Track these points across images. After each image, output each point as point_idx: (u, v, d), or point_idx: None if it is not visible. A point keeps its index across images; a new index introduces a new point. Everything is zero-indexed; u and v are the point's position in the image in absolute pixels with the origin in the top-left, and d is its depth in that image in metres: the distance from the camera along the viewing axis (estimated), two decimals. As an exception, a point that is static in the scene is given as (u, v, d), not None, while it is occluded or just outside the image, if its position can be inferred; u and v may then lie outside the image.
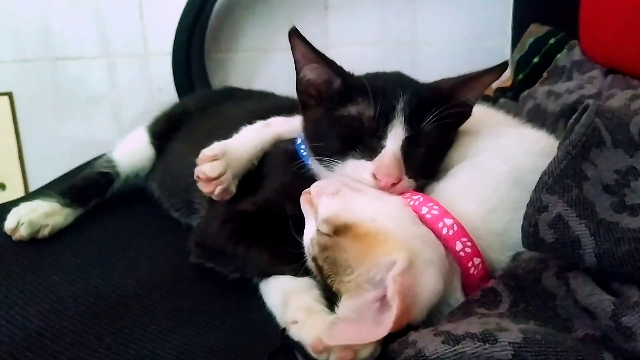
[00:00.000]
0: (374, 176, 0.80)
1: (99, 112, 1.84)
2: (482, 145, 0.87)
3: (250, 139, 0.97)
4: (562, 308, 0.62)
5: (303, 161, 0.91)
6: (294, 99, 1.32)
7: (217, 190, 0.89)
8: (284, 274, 0.84)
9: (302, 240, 0.82)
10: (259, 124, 1.02)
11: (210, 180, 0.89)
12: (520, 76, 1.31)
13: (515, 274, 0.68)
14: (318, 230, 0.76)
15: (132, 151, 1.23)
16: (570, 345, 0.55)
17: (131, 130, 1.79)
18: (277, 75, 1.87)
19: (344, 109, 0.84)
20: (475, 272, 0.73)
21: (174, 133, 1.23)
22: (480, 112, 0.94)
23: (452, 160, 0.87)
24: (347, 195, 0.77)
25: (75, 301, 0.87)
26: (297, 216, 0.85)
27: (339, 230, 0.73)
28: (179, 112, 1.26)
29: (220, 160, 0.90)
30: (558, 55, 1.26)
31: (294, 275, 0.82)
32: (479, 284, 0.74)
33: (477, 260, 0.73)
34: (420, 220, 0.74)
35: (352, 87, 0.85)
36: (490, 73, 0.88)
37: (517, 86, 1.31)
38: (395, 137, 0.80)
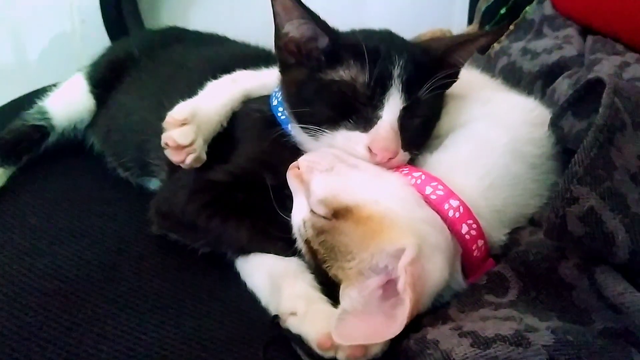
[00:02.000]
0: (369, 149, 0.73)
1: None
2: (473, 112, 0.83)
3: (219, 97, 0.87)
4: (581, 300, 0.60)
5: (283, 128, 0.82)
6: (257, 48, 1.23)
7: (189, 159, 0.80)
8: (266, 252, 0.77)
9: (287, 217, 0.76)
10: (226, 79, 0.92)
11: (181, 148, 0.79)
12: (487, 27, 1.27)
13: (525, 260, 0.65)
14: (312, 211, 0.69)
15: (69, 101, 1.09)
16: (601, 346, 0.53)
17: (41, 61, 1.65)
18: (216, 10, 1.75)
19: (333, 72, 0.76)
20: (477, 254, 0.69)
21: (118, 81, 1.09)
22: (462, 73, 0.89)
23: (440, 128, 0.82)
24: (343, 172, 0.71)
25: (25, 287, 0.77)
26: (277, 188, 0.78)
27: (338, 212, 0.67)
28: (122, 56, 1.12)
29: (191, 124, 0.80)
30: (527, 8, 1.22)
31: (280, 255, 0.76)
32: (479, 265, 0.71)
33: (480, 242, 0.69)
34: (425, 200, 0.69)
35: (342, 47, 0.77)
36: (486, 36, 0.82)
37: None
38: (392, 106, 0.74)
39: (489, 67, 1.12)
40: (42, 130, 1.06)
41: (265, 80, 0.92)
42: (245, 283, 0.79)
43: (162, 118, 0.95)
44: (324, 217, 0.68)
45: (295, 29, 0.78)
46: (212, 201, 0.81)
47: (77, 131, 1.11)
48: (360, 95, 0.74)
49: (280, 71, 0.83)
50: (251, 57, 1.05)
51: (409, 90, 0.74)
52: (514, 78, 1.05)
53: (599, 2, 1.04)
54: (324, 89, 0.76)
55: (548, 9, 1.16)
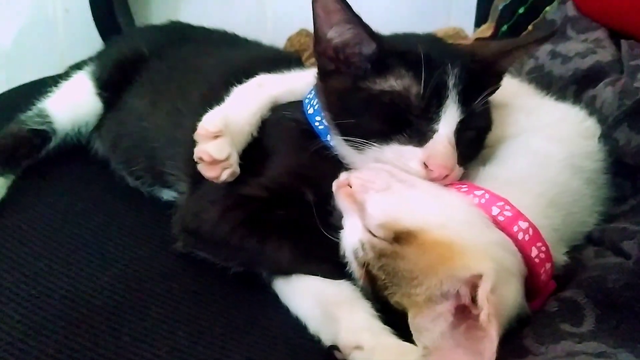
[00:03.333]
0: (425, 165, 0.68)
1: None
2: (520, 123, 0.79)
3: (248, 105, 0.81)
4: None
5: (323, 140, 0.77)
6: (273, 49, 1.17)
7: (225, 175, 0.73)
8: (311, 274, 0.72)
9: (332, 236, 0.71)
10: (252, 84, 0.85)
11: (216, 162, 0.72)
12: (505, 27, 1.23)
13: (602, 287, 0.62)
14: (371, 233, 0.64)
15: (73, 103, 1.01)
16: None
17: (17, 52, 1.54)
18: (207, 4, 1.66)
19: (382, 81, 0.71)
20: (544, 278, 0.66)
21: (127, 83, 1.01)
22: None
23: (487, 139, 0.78)
24: (402, 192, 0.66)
25: (46, 315, 0.70)
26: (318, 204, 0.73)
27: (401, 237, 0.62)
28: (130, 56, 1.04)
29: (225, 136, 0.74)
30: (547, 8, 1.18)
31: (327, 277, 0.71)
32: (542, 288, 0.67)
33: (548, 265, 0.66)
34: (492, 221, 0.64)
35: (390, 54, 0.72)
36: (538, 42, 0.78)
37: (500, 38, 1.23)
38: (448, 119, 0.69)
39: (513, 70, 1.07)
40: (43, 134, 0.98)
41: (292, 85, 0.86)
42: (285, 305, 0.74)
43: (179, 125, 0.90)
44: (385, 240, 0.63)
45: (338, 33, 0.73)
46: (247, 218, 0.75)
47: (81, 135, 1.03)
48: (415, 107, 0.69)
49: (319, 78, 0.77)
50: (270, 59, 0.99)
51: (464, 102, 0.70)
52: (543, 82, 1.01)
53: (631, 4, 1.00)
54: (372, 100, 0.71)
55: (571, 9, 1.13)
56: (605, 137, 0.76)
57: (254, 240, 0.74)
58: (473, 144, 0.72)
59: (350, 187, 0.68)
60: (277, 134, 0.80)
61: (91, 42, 1.53)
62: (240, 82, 0.86)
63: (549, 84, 1.01)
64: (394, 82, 0.70)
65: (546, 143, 0.74)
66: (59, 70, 1.26)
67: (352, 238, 0.67)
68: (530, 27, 1.20)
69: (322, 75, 0.77)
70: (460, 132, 0.70)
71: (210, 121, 0.74)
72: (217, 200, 0.77)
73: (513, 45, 0.77)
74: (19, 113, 1.01)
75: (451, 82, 0.69)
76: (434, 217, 0.63)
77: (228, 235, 0.75)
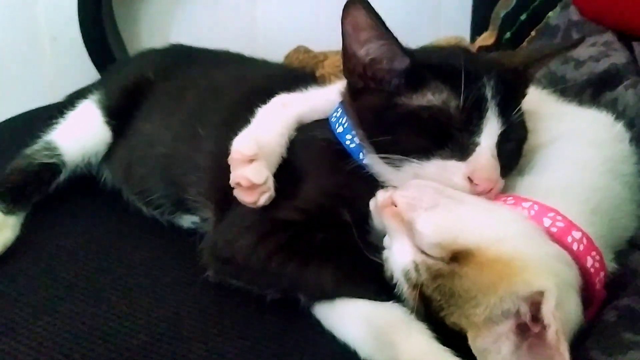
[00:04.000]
0: (469, 180, 0.67)
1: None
2: (552, 130, 0.78)
3: (276, 125, 0.79)
4: None
5: (356, 159, 0.75)
6: (283, 66, 1.15)
7: (263, 200, 0.71)
8: (356, 297, 0.70)
9: (374, 256, 0.69)
10: (275, 104, 0.83)
11: (254, 187, 0.70)
12: (508, 34, 1.23)
13: (663, 294, 0.61)
14: (425, 253, 0.62)
15: (81, 134, 0.98)
16: None
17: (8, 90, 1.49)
18: (197, 25, 1.64)
19: (419, 97, 0.69)
20: (599, 287, 0.65)
21: (135, 109, 0.98)
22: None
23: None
24: (451, 208, 0.64)
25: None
26: (354, 225, 0.71)
27: (458, 256, 0.60)
28: (136, 81, 1.01)
29: (260, 160, 0.72)
30: (549, 14, 1.19)
31: (375, 299, 0.69)
32: (596, 298, 0.66)
33: (602, 274, 0.65)
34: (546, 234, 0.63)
35: (425, 68, 0.70)
36: (566, 49, 0.78)
37: (503, 46, 1.23)
38: (490, 131, 0.68)
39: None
40: (53, 168, 0.95)
41: (315, 104, 0.85)
42: (330, 331, 0.72)
43: (199, 149, 0.87)
44: (441, 260, 0.61)
45: (369, 50, 0.71)
46: (285, 243, 0.73)
47: (91, 167, 0.99)
48: (455, 120, 0.68)
49: (349, 96, 0.76)
50: (286, 77, 0.98)
51: (503, 113, 0.69)
52: (556, 87, 1.01)
53: (637, 5, 1.01)
54: (410, 116, 0.69)
55: (574, 14, 1.13)
56: (637, 140, 0.75)
57: (294, 265, 0.71)
58: (513, 155, 0.71)
59: (395, 206, 0.66)
60: (308, 154, 0.78)
61: (80, 70, 1.51)
62: (260, 102, 0.84)
63: (562, 88, 1.01)
64: (431, 97, 0.69)
65: (582, 148, 0.74)
66: (47, 100, 1.23)
67: (402, 259, 0.65)
68: (533, 33, 1.21)
69: (353, 93, 0.75)
70: (501, 143, 0.69)
71: (244, 145, 0.72)
72: (252, 226, 0.74)
73: (542, 53, 0.77)
74: (23, 147, 0.97)
75: (489, 93, 0.68)
76: (490, 233, 0.61)
77: (266, 262, 0.72)
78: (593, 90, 0.96)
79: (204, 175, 0.86)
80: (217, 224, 0.81)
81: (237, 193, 0.71)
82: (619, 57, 0.97)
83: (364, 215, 0.74)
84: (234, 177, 0.70)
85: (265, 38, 1.66)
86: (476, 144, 0.67)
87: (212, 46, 1.15)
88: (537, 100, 0.84)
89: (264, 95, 0.85)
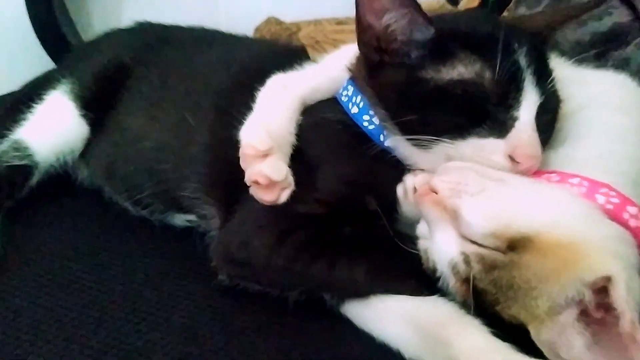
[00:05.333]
0: (510, 158, 0.62)
1: None
2: (577, 96, 0.73)
3: (282, 110, 0.72)
4: None
5: (377, 142, 0.69)
6: (273, 42, 1.06)
7: (284, 197, 0.64)
8: (395, 293, 0.64)
9: (409, 247, 0.64)
10: (275, 86, 0.76)
11: (273, 184, 0.63)
12: (491, -2, 1.18)
13: None
14: (476, 243, 0.57)
15: (54, 130, 0.88)
16: None
17: None
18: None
19: (449, 70, 0.63)
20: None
21: (114, 99, 0.88)
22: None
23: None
24: (500, 191, 0.59)
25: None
26: (380, 214, 0.66)
27: (515, 244, 0.55)
28: (112, 67, 0.90)
29: (276, 153, 0.64)
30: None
31: (414, 294, 0.63)
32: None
33: (656, 250, 0.61)
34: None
35: (451, 38, 0.64)
36: (586, 10, 0.73)
37: (490, 7, 1.18)
38: (529, 104, 0.63)
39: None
40: (24, 170, 0.85)
41: (316, 83, 0.78)
42: (364, 331, 0.66)
43: (192, 140, 0.79)
44: (496, 250, 0.56)
45: (387, 20, 0.64)
46: (309, 240, 0.66)
47: (67, 166, 0.89)
48: (492, 94, 0.62)
49: (366, 73, 0.69)
50: (277, 54, 0.89)
51: (540, 82, 0.64)
52: (557, 48, 0.96)
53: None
54: (440, 92, 0.63)
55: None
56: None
57: (322, 263, 0.65)
58: (549, 128, 0.66)
59: (435, 192, 0.60)
60: (323, 139, 0.71)
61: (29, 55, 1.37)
62: (254, 85, 0.76)
63: (562, 51, 0.96)
64: (462, 69, 0.63)
65: (613, 115, 0.70)
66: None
67: (447, 251, 0.59)
68: (520, -6, 1.16)
69: (370, 69, 0.68)
70: (538, 116, 0.64)
71: (256, 138, 0.64)
72: (269, 223, 0.67)
73: (564, 15, 0.72)
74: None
75: (523, 62, 0.63)
76: (546, 216, 0.56)
77: (289, 262, 0.66)
78: (597, 50, 0.92)
79: (201, 169, 0.78)
80: (224, 223, 0.73)
81: (254, 192, 0.64)
82: (620, 15, 0.93)
83: (390, 203, 0.68)
84: (250, 175, 0.63)
85: (227, 10, 1.55)
86: (515, 119, 0.62)
87: (170, 21, 1.05)
88: (553, 65, 0.79)
89: (257, 76, 0.78)
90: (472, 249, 0.57)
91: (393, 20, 0.64)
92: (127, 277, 0.75)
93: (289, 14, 1.41)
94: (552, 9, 0.96)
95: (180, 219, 0.85)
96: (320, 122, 0.72)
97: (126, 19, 1.43)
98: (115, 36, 1.00)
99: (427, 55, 0.65)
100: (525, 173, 0.62)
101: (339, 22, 1.37)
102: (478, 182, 0.59)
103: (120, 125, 0.87)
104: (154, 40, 0.97)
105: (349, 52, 0.77)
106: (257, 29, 1.38)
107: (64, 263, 0.77)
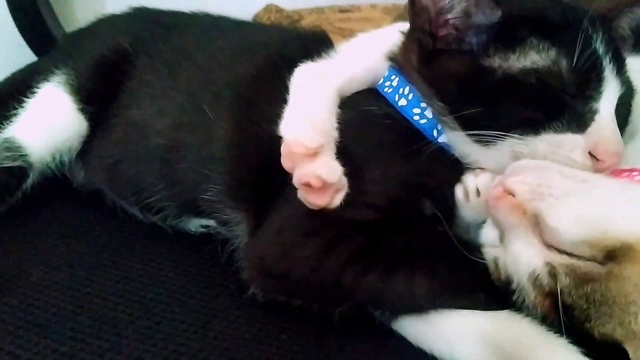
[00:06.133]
0: (591, 155, 0.55)
1: None
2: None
3: (322, 102, 0.64)
4: None
5: (431, 138, 0.61)
6: (287, 28, 0.98)
7: (337, 201, 0.56)
8: (460, 307, 0.57)
9: (474, 255, 0.57)
10: (308, 76, 0.68)
11: (327, 187, 0.55)
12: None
13: None
14: (567, 253, 0.50)
15: (50, 127, 0.78)
16: None
17: None
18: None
19: (520, 57, 0.56)
20: None
21: (115, 91, 0.79)
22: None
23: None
24: (588, 193, 0.52)
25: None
26: (436, 218, 0.59)
27: (613, 253, 0.49)
28: (112, 55, 0.81)
29: (327, 150, 0.56)
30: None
31: (483, 309, 0.56)
32: None
33: None
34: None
35: (518, 22, 0.57)
36: None
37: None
38: (609, 95, 0.57)
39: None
40: (18, 172, 0.75)
41: (352, 72, 0.70)
42: (421, 349, 0.59)
43: (212, 136, 0.71)
44: (592, 260, 0.49)
45: (447, 1, 0.57)
46: (362, 249, 0.58)
47: (63, 166, 0.79)
48: (570, 84, 0.55)
49: (420, 61, 0.61)
50: (297, 42, 0.81)
51: (619, 71, 0.57)
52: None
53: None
54: (511, 82, 0.56)
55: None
56: None
57: (376, 275, 0.58)
58: (625, 120, 0.60)
59: (512, 195, 0.54)
60: (369, 136, 0.64)
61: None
62: (281, 74, 0.68)
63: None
64: (536, 57, 0.56)
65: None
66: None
67: (528, 261, 0.52)
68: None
69: (425, 57, 0.61)
70: (618, 108, 0.57)
71: (305, 134, 0.56)
72: (315, 231, 0.59)
73: None
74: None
75: (601, 49, 0.56)
76: (643, 218, 0.50)
77: (339, 274, 0.58)
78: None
79: (224, 169, 0.70)
80: (255, 230, 0.65)
81: (303, 195, 0.56)
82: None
83: (447, 206, 0.61)
84: (301, 177, 0.55)
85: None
86: (594, 112, 0.56)
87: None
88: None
89: (283, 64, 0.70)
90: (560, 259, 0.50)
91: (453, 1, 0.57)
92: (142, 296, 0.66)
93: (289, 2, 1.33)
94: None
95: (195, 224, 0.76)
96: (363, 116, 0.64)
97: (110, 9, 1.34)
98: (112, 22, 0.91)
99: (489, 42, 0.58)
100: (603, 171, 0.56)
101: (342, 10, 1.29)
102: (562, 183, 0.52)
103: (124, 120, 0.77)
104: (154, 25, 0.88)
105: (381, 37, 0.70)
106: (256, 17, 1.29)
107: (61, 277, 0.68)
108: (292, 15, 1.27)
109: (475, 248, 0.59)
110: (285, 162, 0.57)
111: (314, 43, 0.77)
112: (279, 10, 1.28)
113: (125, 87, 0.79)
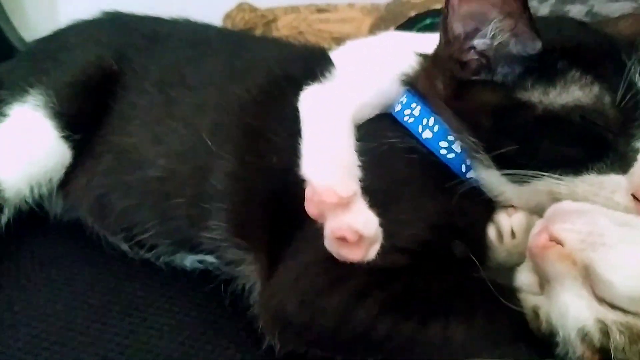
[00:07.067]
0: (634, 197, 0.53)
1: None
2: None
3: (343, 138, 0.59)
4: None
5: (459, 173, 0.58)
6: (283, 41, 0.91)
7: (372, 253, 0.52)
8: (504, 357, 0.54)
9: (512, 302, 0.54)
10: (319, 103, 0.63)
11: (363, 240, 0.50)
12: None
13: None
14: (622, 310, 0.48)
15: (28, 157, 0.70)
16: None
17: None
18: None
19: (561, 93, 0.53)
20: None
21: (101, 113, 0.71)
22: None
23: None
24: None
25: None
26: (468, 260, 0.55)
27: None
28: (95, 74, 0.73)
29: (360, 198, 0.52)
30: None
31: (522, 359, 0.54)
32: None
33: None
34: None
35: (558, 54, 0.54)
36: None
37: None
38: None
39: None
40: None
41: (365, 97, 0.65)
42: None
43: (215, 168, 0.65)
44: (650, 318, 0.47)
45: (484, 30, 0.54)
46: (394, 297, 0.54)
47: (42, 199, 0.71)
48: (613, 122, 0.52)
49: (451, 93, 0.57)
50: (300, 59, 0.75)
51: None
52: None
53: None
54: (551, 118, 0.53)
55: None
56: None
57: (411, 326, 0.53)
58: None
59: (560, 243, 0.50)
60: (395, 173, 0.59)
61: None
62: (286, 97, 0.63)
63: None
64: (579, 93, 0.53)
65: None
66: None
67: (577, 316, 0.49)
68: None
69: (454, 88, 0.57)
70: None
71: (336, 181, 0.51)
72: (341, 278, 0.54)
73: None
74: None
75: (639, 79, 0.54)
76: None
77: (370, 326, 0.54)
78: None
79: (228, 205, 0.64)
80: (270, 272, 0.60)
81: (335, 249, 0.51)
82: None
83: (479, 247, 0.57)
84: (336, 231, 0.50)
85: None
86: (636, 151, 0.53)
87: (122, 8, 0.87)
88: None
89: (287, 86, 0.65)
90: (613, 316, 0.48)
91: (492, 29, 0.53)
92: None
93: (262, 0, 1.26)
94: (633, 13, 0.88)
95: (193, 261, 0.70)
96: (385, 149, 0.60)
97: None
98: (88, 31, 0.81)
99: (525, 74, 0.54)
100: (644, 213, 0.53)
101: (319, 10, 1.24)
102: (615, 230, 0.50)
103: (113, 147, 0.70)
104: (136, 36, 0.80)
105: (383, 51, 0.69)
106: (228, 16, 1.22)
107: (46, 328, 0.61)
108: (266, 15, 1.20)
109: (510, 293, 0.56)
110: (311, 209, 0.52)
111: (314, 60, 0.72)
112: (252, 9, 1.21)
113: (113, 111, 0.71)
